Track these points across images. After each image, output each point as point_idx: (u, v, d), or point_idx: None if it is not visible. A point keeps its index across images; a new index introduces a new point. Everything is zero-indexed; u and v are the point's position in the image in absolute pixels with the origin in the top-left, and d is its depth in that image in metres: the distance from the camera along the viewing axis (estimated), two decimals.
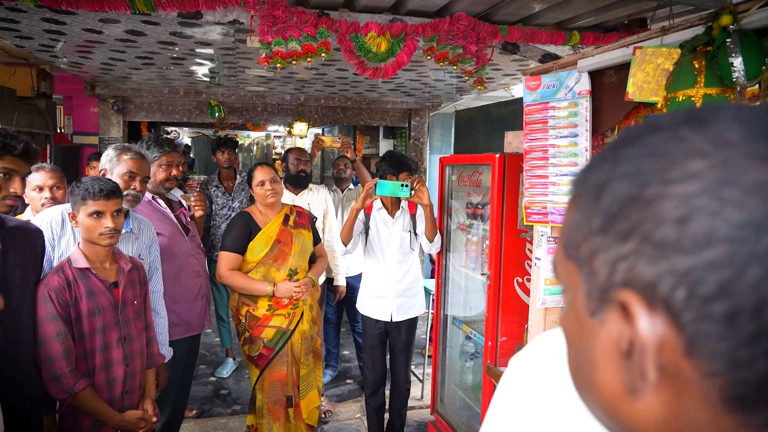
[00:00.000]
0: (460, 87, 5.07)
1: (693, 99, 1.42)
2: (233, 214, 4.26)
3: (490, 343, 2.68)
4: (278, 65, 2.36)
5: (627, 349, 0.33)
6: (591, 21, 2.81)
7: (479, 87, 2.83)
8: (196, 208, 3.08)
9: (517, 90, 5.05)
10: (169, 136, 6.00)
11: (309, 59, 2.36)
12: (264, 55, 2.35)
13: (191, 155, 9.83)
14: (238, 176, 4.55)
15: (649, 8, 2.51)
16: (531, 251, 2.64)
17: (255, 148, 12.90)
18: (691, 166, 0.31)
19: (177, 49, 3.56)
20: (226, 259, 2.83)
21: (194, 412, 3.80)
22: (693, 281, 0.30)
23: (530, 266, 2.66)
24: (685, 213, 0.30)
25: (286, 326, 2.86)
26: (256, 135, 11.62)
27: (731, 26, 1.36)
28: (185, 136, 10.75)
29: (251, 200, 4.45)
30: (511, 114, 4.75)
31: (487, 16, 2.62)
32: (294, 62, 2.38)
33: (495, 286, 2.68)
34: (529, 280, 2.68)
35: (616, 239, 0.33)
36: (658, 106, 1.58)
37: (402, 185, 2.93)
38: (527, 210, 2.25)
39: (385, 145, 7.38)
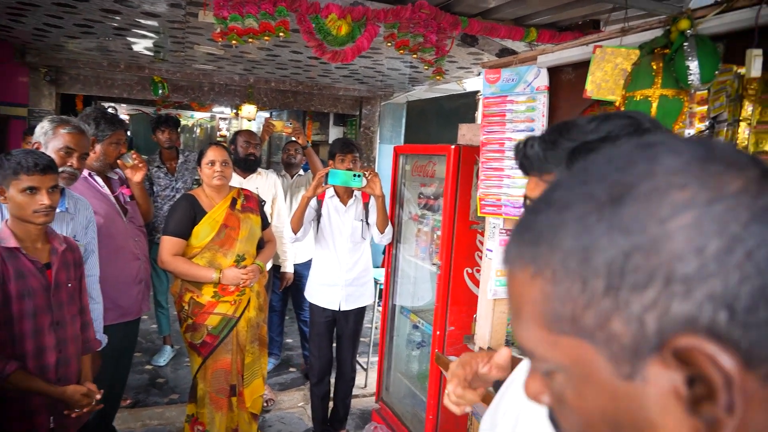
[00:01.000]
0: (413, 77, 5.07)
1: (650, 99, 1.46)
2: (177, 196, 4.11)
3: (438, 333, 2.71)
4: (233, 42, 2.26)
5: (690, 394, 0.33)
6: (547, 19, 2.87)
7: (438, 77, 2.83)
8: (138, 168, 2.80)
9: (470, 83, 5.10)
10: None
11: (266, 38, 2.28)
12: (219, 30, 2.25)
13: (128, 133, 9.34)
14: (180, 156, 4.37)
15: (604, 10, 2.58)
16: (482, 243, 2.68)
17: (198, 129, 12.46)
18: (675, 198, 0.32)
19: (120, 18, 3.35)
20: (168, 243, 2.70)
21: (128, 401, 3.64)
22: (730, 299, 0.30)
23: (481, 258, 2.70)
24: (697, 242, 0.31)
25: (232, 313, 2.78)
26: (200, 116, 11.21)
27: (689, 31, 1.41)
28: (123, 113, 10.23)
29: (196, 182, 4.29)
30: (463, 107, 4.80)
31: (448, 7, 2.62)
32: (250, 40, 2.29)
33: (445, 277, 2.70)
34: (479, 271, 2.72)
35: (634, 292, 0.33)
36: (616, 104, 1.63)
37: (354, 175, 2.90)
38: (482, 201, 2.27)
39: (335, 133, 7.31)
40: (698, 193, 0.32)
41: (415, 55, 2.59)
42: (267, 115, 9.11)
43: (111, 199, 2.65)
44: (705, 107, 1.64)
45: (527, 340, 0.40)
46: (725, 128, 1.48)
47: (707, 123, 1.47)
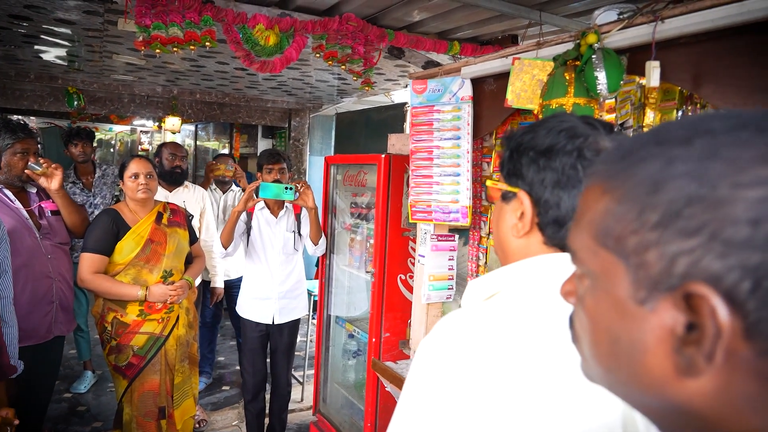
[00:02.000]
0: (342, 89, 5.11)
1: (564, 107, 1.57)
2: (95, 212, 3.91)
3: (374, 340, 2.73)
4: (157, 51, 2.20)
5: (683, 333, 0.36)
6: (470, 33, 3.00)
7: (366, 88, 2.88)
8: (51, 174, 2.59)
9: (398, 95, 5.21)
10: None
11: (192, 47, 2.24)
12: (141, 38, 2.18)
13: (39, 146, 8.73)
14: (97, 170, 4.15)
15: (521, 26, 2.74)
16: (414, 249, 2.74)
17: (118, 143, 11.86)
18: (761, 172, 0.34)
19: (27, 25, 3.16)
20: (88, 261, 2.56)
21: None
22: (761, 275, 0.33)
23: (413, 264, 2.76)
24: (758, 215, 0.33)
25: (160, 332, 2.67)
26: (120, 129, 10.69)
27: (596, 44, 1.53)
28: (32, 127, 9.58)
29: (116, 198, 4.10)
30: (391, 118, 4.89)
31: (375, 20, 2.68)
32: (175, 49, 2.23)
33: (379, 284, 2.73)
34: (411, 277, 2.78)
35: (679, 235, 0.35)
36: (534, 112, 1.73)
37: (286, 188, 2.89)
38: (413, 208, 2.33)
39: (263, 145, 7.21)
40: None
41: (343, 66, 2.63)
42: (192, 128, 8.85)
43: (21, 213, 2.49)
44: (613, 115, 1.79)
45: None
46: (631, 134, 1.61)
47: (616, 130, 1.60)
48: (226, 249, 3.01)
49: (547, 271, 0.77)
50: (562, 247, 0.78)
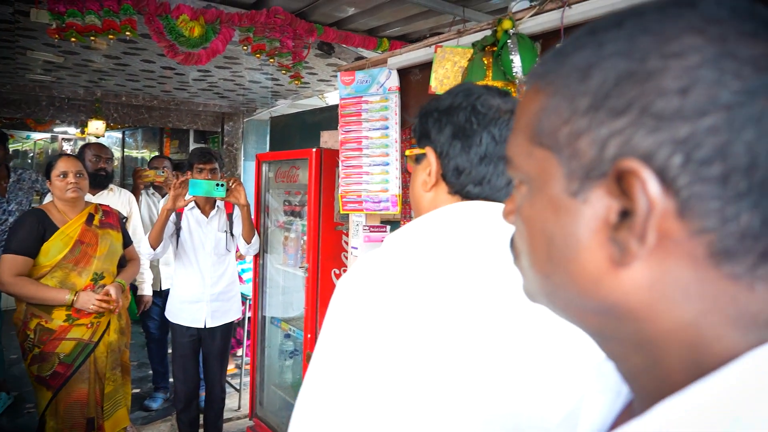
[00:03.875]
0: (275, 91, 5.06)
1: None
2: (10, 219, 3.68)
3: (309, 336, 2.71)
4: (73, 40, 2.11)
5: (617, 221, 0.35)
6: (398, 31, 3.06)
7: (296, 82, 2.87)
8: None
9: (331, 97, 5.22)
10: None
11: (111, 36, 2.15)
12: (55, 26, 2.08)
13: None
14: (12, 174, 3.90)
15: (447, 23, 2.83)
16: (347, 243, 2.75)
17: (37, 153, 11.18)
18: (690, 41, 0.33)
19: None
20: (10, 263, 2.40)
21: None
22: (691, 147, 0.32)
23: (347, 258, 2.76)
24: (687, 83, 0.32)
25: (89, 338, 2.53)
26: (39, 136, 10.08)
27: (511, 30, 1.61)
28: None
29: (37, 202, 3.87)
30: (325, 120, 4.87)
31: (303, 15, 2.68)
32: (93, 39, 2.15)
33: (313, 279, 2.72)
34: (345, 270, 2.77)
35: (609, 116, 0.35)
36: None
37: (217, 184, 2.82)
38: (343, 199, 2.34)
39: None
40: (712, 43, 0.33)
41: (272, 60, 2.61)
42: (119, 135, 8.48)
43: None
44: None
45: (511, 149, 0.43)
46: None
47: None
48: (154, 250, 2.90)
49: (451, 217, 0.83)
50: (464, 195, 0.84)
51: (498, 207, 0.84)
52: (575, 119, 0.37)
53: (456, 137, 0.82)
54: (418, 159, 0.89)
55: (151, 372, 4.18)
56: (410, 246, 0.78)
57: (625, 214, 0.35)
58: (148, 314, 3.85)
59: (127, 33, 2.21)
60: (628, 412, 0.44)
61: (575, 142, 0.37)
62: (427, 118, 0.86)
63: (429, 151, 0.85)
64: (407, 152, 0.96)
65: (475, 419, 0.69)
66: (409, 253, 0.76)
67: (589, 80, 0.36)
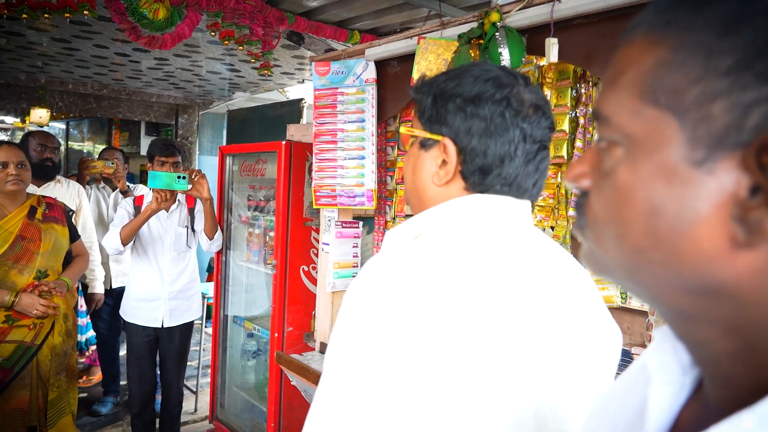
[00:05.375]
0: (234, 83, 4.91)
1: None
2: None
3: (276, 335, 2.62)
4: (24, 16, 1.94)
5: (746, 199, 0.32)
6: (369, 24, 3.01)
7: (266, 72, 2.77)
8: None
9: (293, 92, 5.11)
10: None
11: (67, 15, 2.00)
12: (4, 0, 1.91)
13: None
14: None
15: (420, 18, 2.80)
16: (317, 240, 2.67)
17: None
18: None
19: None
20: None
21: None
22: None
23: (316, 255, 2.69)
24: None
25: (31, 340, 2.35)
26: None
27: (498, 23, 1.59)
28: None
29: None
30: (287, 114, 4.78)
31: (274, 2, 2.59)
32: (46, 16, 1.99)
33: (281, 276, 2.63)
34: (315, 268, 2.70)
35: (758, 80, 0.31)
36: None
37: (179, 177, 2.69)
38: (316, 193, 2.27)
39: (146, 143, 6.67)
40: None
41: (241, 48, 2.50)
42: (63, 126, 8.03)
43: None
44: None
45: (609, 106, 0.38)
46: None
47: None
48: (124, 245, 2.76)
49: (471, 210, 0.76)
50: (484, 193, 0.77)
51: (526, 206, 0.79)
52: (710, 79, 0.33)
53: (487, 134, 0.74)
54: (425, 144, 0.80)
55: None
56: (433, 241, 0.72)
57: (755, 191, 0.32)
58: (97, 314, 3.65)
59: (85, 12, 2.06)
60: (696, 401, 0.42)
61: (707, 105, 0.33)
62: (446, 102, 0.76)
63: (447, 143, 0.76)
64: (403, 129, 0.86)
65: (504, 422, 0.66)
66: (443, 251, 0.70)
67: (736, 36, 0.32)
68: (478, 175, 0.76)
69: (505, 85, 0.75)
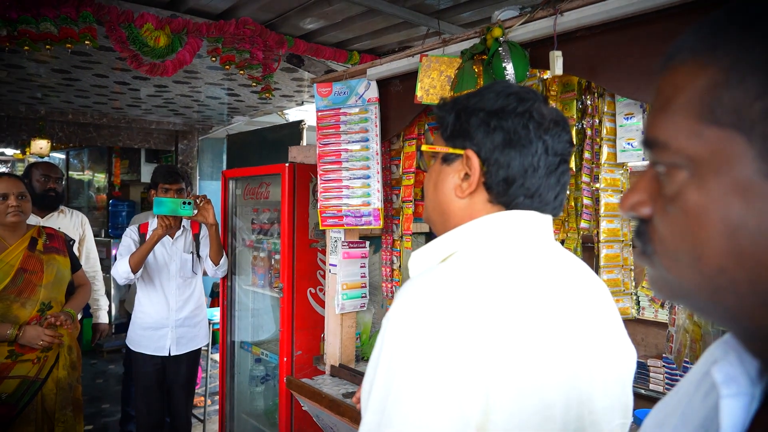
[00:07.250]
0: (234, 107, 4.93)
1: None
2: None
3: (285, 359, 2.58)
4: (26, 48, 1.95)
5: None
6: (368, 44, 3.02)
7: (267, 95, 2.78)
8: None
9: (292, 114, 5.13)
10: None
11: (69, 45, 2.01)
12: (6, 33, 1.92)
13: None
14: None
15: (419, 36, 2.81)
16: (324, 261, 2.65)
17: None
18: None
19: None
20: None
21: None
22: None
23: (323, 276, 2.67)
24: None
25: (35, 375, 2.32)
26: None
27: (501, 38, 1.59)
28: None
29: None
30: (287, 137, 4.79)
31: (273, 27, 2.61)
32: (48, 47, 1.99)
33: (288, 299, 2.60)
34: (322, 290, 2.68)
35: None
36: None
37: (184, 203, 2.68)
38: (322, 214, 2.25)
39: (147, 171, 6.72)
40: None
41: (242, 72, 2.51)
42: (62, 156, 8.05)
43: None
44: None
45: (665, 132, 0.38)
46: None
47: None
48: (134, 274, 2.73)
49: (502, 227, 0.76)
50: (507, 204, 0.77)
51: (549, 221, 0.79)
52: None
53: (509, 144, 0.75)
54: (448, 159, 0.80)
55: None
56: (467, 260, 0.72)
57: None
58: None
59: (87, 42, 2.07)
60: (766, 413, 0.41)
61: None
62: (469, 116, 0.78)
63: (471, 155, 0.77)
64: (424, 147, 0.86)
65: None
66: (482, 271, 0.70)
67: None
68: (502, 186, 0.76)
69: (526, 99, 0.77)
